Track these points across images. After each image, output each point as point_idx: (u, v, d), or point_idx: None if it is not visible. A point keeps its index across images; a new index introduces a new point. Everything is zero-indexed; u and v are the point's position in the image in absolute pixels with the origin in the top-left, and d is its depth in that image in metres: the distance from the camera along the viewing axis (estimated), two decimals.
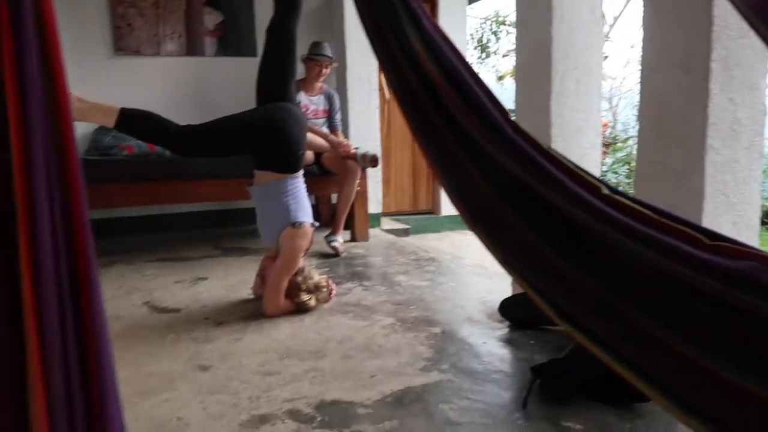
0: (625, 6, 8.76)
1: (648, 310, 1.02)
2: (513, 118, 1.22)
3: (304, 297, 2.44)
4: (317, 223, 2.56)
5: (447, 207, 5.42)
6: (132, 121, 2.29)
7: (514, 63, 8.44)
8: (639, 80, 1.82)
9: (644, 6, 1.76)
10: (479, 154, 1.22)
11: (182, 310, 2.55)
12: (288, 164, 2.46)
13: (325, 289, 2.50)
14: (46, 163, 0.71)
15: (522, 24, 2.26)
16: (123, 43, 4.07)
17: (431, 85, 1.27)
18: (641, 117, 1.83)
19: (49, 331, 0.70)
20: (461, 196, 1.32)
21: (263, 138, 2.43)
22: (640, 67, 1.81)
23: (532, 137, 1.19)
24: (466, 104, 1.21)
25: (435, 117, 1.28)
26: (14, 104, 0.70)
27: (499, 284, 2.93)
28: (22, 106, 0.71)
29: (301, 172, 2.54)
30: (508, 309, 2.36)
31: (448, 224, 5.43)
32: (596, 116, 2.22)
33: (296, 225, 2.44)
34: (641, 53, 1.78)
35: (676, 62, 1.66)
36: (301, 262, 2.53)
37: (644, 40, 1.77)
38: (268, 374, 1.89)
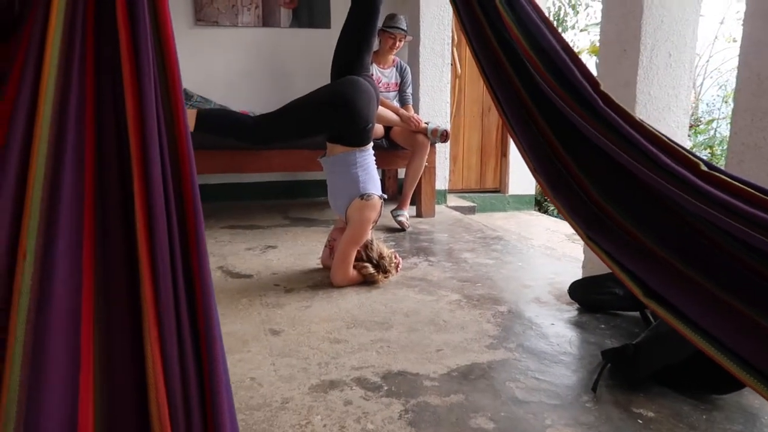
0: None
1: (748, 293, 0.97)
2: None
3: (372, 269, 2.47)
4: (386, 196, 2.58)
5: (514, 186, 5.32)
6: (210, 121, 2.38)
7: (591, 38, 8.09)
8: (735, 58, 1.70)
9: None
10: (565, 126, 1.18)
11: (254, 276, 2.64)
12: (357, 138, 2.48)
13: (392, 263, 2.52)
14: (160, 140, 0.75)
15: None
16: (203, 13, 4.18)
17: (518, 54, 1.24)
18: (737, 97, 1.72)
19: (164, 299, 0.74)
20: (543, 168, 1.29)
21: (332, 115, 2.45)
22: (739, 44, 1.69)
23: (625, 110, 1.14)
24: (554, 75, 1.16)
25: (520, 87, 1.24)
26: (130, 83, 0.74)
27: (568, 266, 2.87)
28: (139, 86, 0.74)
29: (371, 145, 2.55)
30: (577, 291, 2.31)
31: (515, 203, 5.34)
32: (686, 94, 2.10)
33: (365, 197, 2.46)
34: (743, 27, 1.66)
35: None
36: (370, 235, 2.55)
37: (747, 13, 1.65)
38: (336, 342, 1.93)
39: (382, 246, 2.55)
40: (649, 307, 1.10)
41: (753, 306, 0.96)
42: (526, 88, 1.25)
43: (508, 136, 5.20)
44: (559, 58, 1.18)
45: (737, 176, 1.04)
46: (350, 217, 2.49)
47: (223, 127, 2.43)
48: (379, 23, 3.76)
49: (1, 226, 0.69)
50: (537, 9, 1.25)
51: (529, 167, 1.31)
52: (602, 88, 1.17)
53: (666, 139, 1.09)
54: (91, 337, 0.75)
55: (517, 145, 1.38)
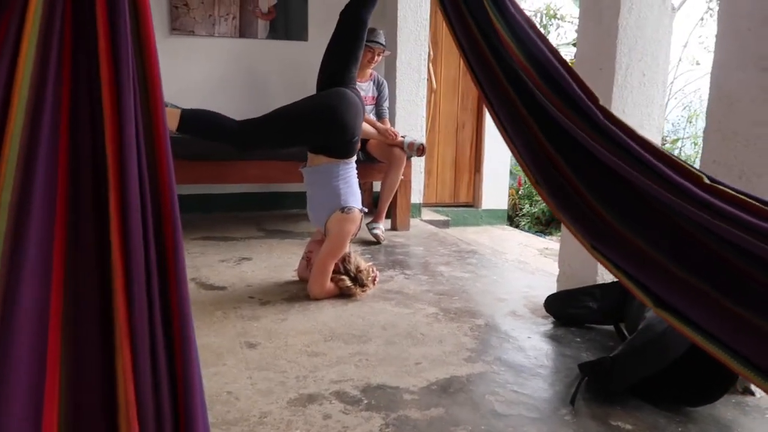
0: (683, 3, 8.47)
1: (750, 300, 0.99)
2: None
3: (349, 282, 2.45)
4: (366, 210, 2.57)
5: (487, 201, 5.37)
6: (193, 122, 2.33)
7: (565, 57, 8.26)
8: (698, 80, 1.75)
9: (720, 3, 1.70)
10: (565, 139, 1.19)
11: (228, 288, 2.60)
12: (342, 150, 2.47)
13: (370, 276, 2.50)
14: (138, 147, 0.73)
15: (587, 13, 2.21)
16: (179, 22, 4.13)
17: (514, 68, 1.25)
18: (708, 116, 1.77)
19: (137, 308, 0.71)
20: (546, 181, 1.30)
21: (318, 126, 2.43)
22: (703, 66, 1.75)
23: (624, 123, 1.16)
24: (552, 88, 1.18)
25: (518, 101, 1.25)
26: (109, 90, 0.72)
27: (541, 280, 2.90)
28: (117, 93, 0.72)
29: (354, 158, 2.55)
30: (553, 305, 2.33)
31: (488, 218, 5.39)
32: (659, 113, 2.16)
33: (346, 210, 2.45)
34: (714, 48, 1.71)
35: (751, 60, 1.60)
36: (347, 248, 2.54)
37: (718, 36, 1.70)
38: (314, 355, 1.90)
39: (360, 259, 2.54)
40: (659, 315, 1.11)
41: (755, 311, 0.99)
42: (524, 101, 1.26)
43: (482, 151, 5.27)
44: (556, 72, 1.19)
45: (740, 189, 1.07)
46: (330, 229, 2.47)
47: (206, 129, 2.38)
48: None
49: None
50: (531, 24, 1.26)
51: (530, 180, 1.32)
52: (600, 102, 1.19)
53: (668, 154, 1.12)
54: (58, 350, 0.71)
55: (516, 158, 1.39)
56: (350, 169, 2.51)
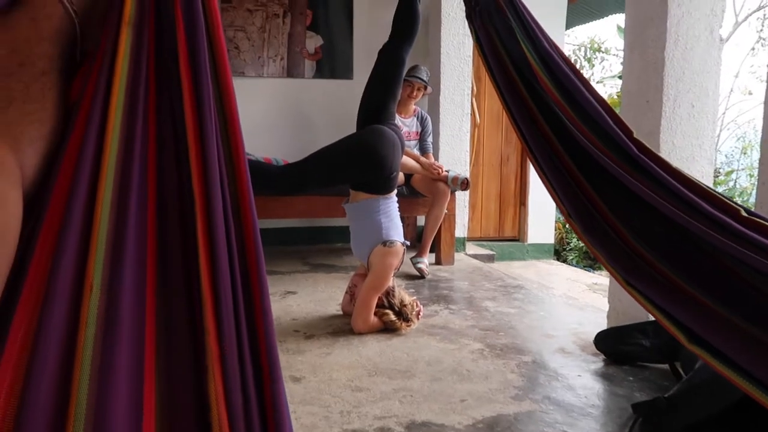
0: (732, 33, 8.30)
1: None
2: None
3: (393, 317, 2.44)
4: (408, 243, 2.58)
5: (533, 235, 5.30)
6: None
7: (608, 90, 8.19)
8: (751, 110, 1.71)
9: None
10: (600, 173, 1.18)
11: (274, 322, 2.62)
12: (381, 186, 2.50)
13: (414, 311, 2.49)
14: (221, 183, 0.77)
15: (632, 46, 2.19)
16: (230, 65, 4.31)
17: (549, 104, 1.25)
18: (763, 146, 1.72)
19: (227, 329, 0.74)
20: (580, 215, 1.28)
21: (357, 164, 2.47)
22: (765, 94, 1.70)
23: (660, 157, 1.14)
24: (587, 123, 1.17)
25: (552, 136, 1.25)
26: (193, 134, 0.76)
27: (591, 316, 2.81)
28: (201, 137, 0.77)
29: (394, 192, 2.57)
30: (603, 342, 2.26)
31: (534, 252, 5.31)
32: (710, 144, 2.10)
33: (388, 243, 2.46)
34: None
35: None
36: (391, 282, 2.54)
37: None
38: (358, 390, 1.89)
39: (404, 293, 2.53)
40: (693, 352, 1.07)
41: None
42: (559, 136, 1.26)
43: (527, 185, 5.22)
44: (590, 106, 1.19)
45: None
46: (372, 263, 2.49)
47: (252, 180, 2.44)
48: None
49: (68, 262, 0.71)
50: (564, 58, 1.27)
51: (563, 213, 1.31)
52: (635, 135, 1.18)
53: (704, 186, 1.09)
54: (153, 382, 0.74)
55: (549, 191, 1.38)
56: (391, 203, 2.53)
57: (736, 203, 1.06)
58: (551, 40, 1.32)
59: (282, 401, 0.77)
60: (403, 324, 2.46)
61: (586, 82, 1.25)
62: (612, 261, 1.21)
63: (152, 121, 0.78)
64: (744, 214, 1.03)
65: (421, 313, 2.58)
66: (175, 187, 0.79)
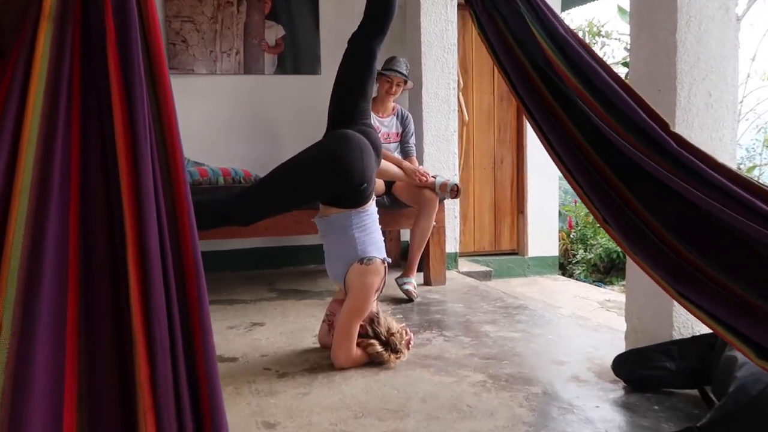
0: (745, 12, 8.54)
1: None
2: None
3: (379, 347, 2.44)
4: (389, 260, 2.58)
5: (535, 247, 5.36)
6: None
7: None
8: None
9: None
10: (635, 171, 1.20)
11: (239, 360, 2.60)
12: (353, 200, 2.49)
13: (403, 340, 2.49)
14: (155, 191, 0.76)
15: (639, 29, 2.25)
16: (177, 61, 4.31)
17: (570, 96, 1.27)
18: None
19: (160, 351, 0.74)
20: (616, 219, 1.30)
21: (321, 178, 2.44)
22: None
23: (700, 149, 1.17)
24: (617, 117, 1.20)
25: (577, 133, 1.27)
26: (123, 137, 0.76)
27: (606, 337, 2.85)
28: (132, 139, 0.76)
29: (371, 204, 2.56)
30: (623, 367, 2.28)
31: (536, 267, 5.37)
32: (731, 136, 2.16)
33: (365, 261, 2.46)
34: None
35: None
36: (375, 307, 2.54)
37: None
38: None
39: (391, 320, 2.53)
40: (763, 368, 1.09)
41: None
42: (584, 132, 1.28)
43: (525, 190, 5.28)
44: (617, 97, 1.21)
45: None
46: (350, 284, 2.48)
47: (202, 219, 2.38)
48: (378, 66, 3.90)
49: None
50: (583, 44, 1.30)
51: (597, 219, 1.33)
52: (672, 128, 1.21)
53: (753, 181, 1.12)
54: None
55: (578, 193, 1.40)
56: (367, 216, 2.53)
57: None
58: (565, 23, 1.34)
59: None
60: (392, 356, 2.46)
61: (610, 71, 1.28)
62: (657, 268, 1.23)
63: (76, 128, 0.78)
64: None
65: (412, 342, 2.59)
66: (103, 205, 0.79)
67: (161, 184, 0.82)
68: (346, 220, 2.49)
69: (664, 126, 1.21)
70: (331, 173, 2.44)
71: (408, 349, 2.54)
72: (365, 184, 2.48)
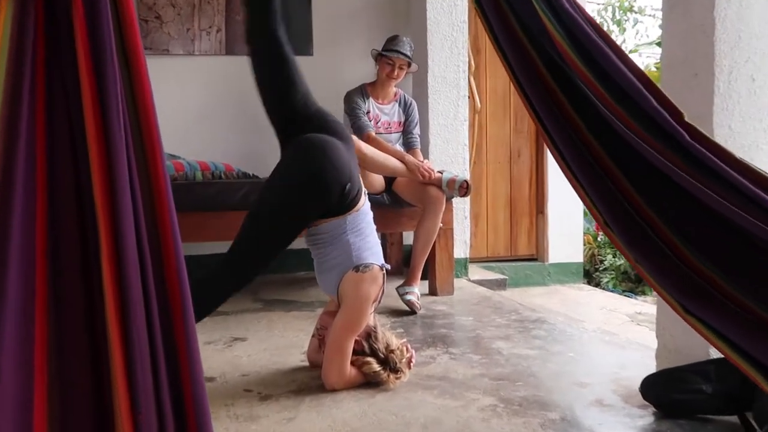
0: None
1: None
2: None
3: (377, 366, 2.43)
4: (388, 266, 2.57)
5: (556, 252, 5.35)
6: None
7: (644, 61, 8.34)
8: None
9: None
10: (643, 168, 1.20)
11: (217, 379, 2.61)
12: (338, 209, 2.45)
13: (404, 358, 2.48)
14: (131, 185, 0.76)
15: (672, 5, 2.24)
16: (150, 40, 4.31)
17: (575, 83, 1.27)
18: None
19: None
20: (620, 224, 1.30)
21: (299, 203, 2.41)
22: None
23: (720, 146, 1.16)
24: (626, 106, 1.20)
25: (581, 124, 1.27)
26: (94, 123, 0.76)
27: (635, 356, 2.85)
28: (105, 126, 0.76)
29: (363, 203, 2.54)
30: (653, 390, 2.28)
31: (558, 275, 5.36)
32: None
33: (361, 268, 2.45)
34: None
35: None
36: (372, 320, 2.54)
37: None
38: None
39: (390, 335, 2.53)
40: None
41: None
42: (589, 124, 1.28)
43: (546, 186, 5.27)
44: (628, 84, 1.21)
45: None
46: (344, 295, 2.48)
47: (203, 311, 2.35)
48: (379, 46, 3.90)
49: None
50: (594, 25, 1.29)
51: (597, 220, 1.33)
52: (686, 118, 1.20)
53: None
54: None
55: (579, 193, 1.39)
56: (361, 217, 2.51)
57: None
58: (574, 1, 1.34)
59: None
60: (391, 375, 2.45)
61: (621, 53, 1.27)
62: (663, 281, 1.23)
63: (41, 113, 0.78)
64: None
65: (413, 361, 2.58)
66: (72, 203, 0.79)
67: (137, 174, 0.82)
68: (339, 227, 2.48)
69: (678, 116, 1.20)
70: (311, 197, 2.41)
71: (409, 368, 2.54)
72: (347, 185, 2.44)
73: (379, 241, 2.62)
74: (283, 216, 2.46)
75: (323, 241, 2.52)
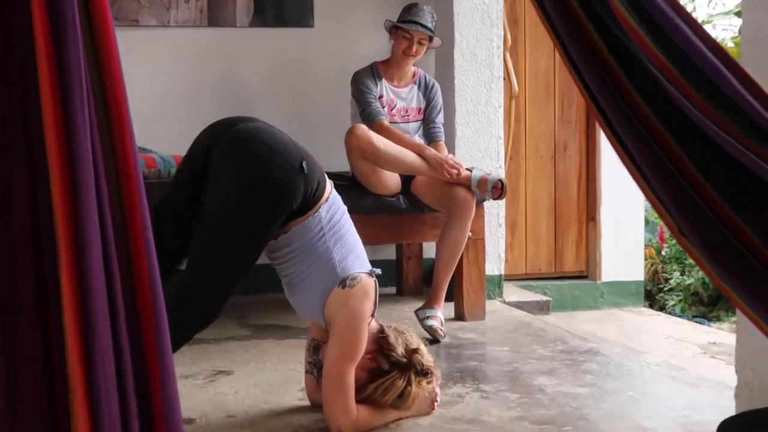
0: None
1: None
2: None
3: (400, 383, 2.39)
4: (378, 271, 2.54)
5: (610, 268, 5.31)
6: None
7: (719, 34, 8.34)
8: None
9: None
10: (728, 168, 1.20)
11: (197, 421, 2.61)
12: (306, 200, 2.43)
13: (428, 361, 2.47)
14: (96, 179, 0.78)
15: None
16: (116, 8, 4.33)
17: (645, 66, 1.27)
18: None
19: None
20: (699, 233, 1.29)
21: (269, 208, 2.43)
22: None
23: None
24: (706, 93, 1.20)
25: (651, 114, 1.27)
26: (53, 111, 0.78)
27: (709, 395, 2.85)
28: (65, 115, 0.78)
29: (329, 192, 2.53)
30: None
31: (613, 296, 5.33)
32: None
33: (348, 281, 2.43)
34: None
35: None
36: (374, 324, 2.51)
37: None
38: None
39: (406, 333, 2.53)
40: None
41: None
42: (660, 114, 1.28)
43: (598, 188, 5.25)
44: (710, 67, 1.21)
45: None
46: (332, 319, 2.44)
47: (181, 332, 2.35)
48: (394, 17, 3.90)
49: None
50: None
51: (671, 230, 1.33)
52: None
53: None
54: None
55: (649, 198, 1.40)
56: (334, 207, 2.50)
57: None
58: None
59: None
60: (422, 381, 2.43)
61: (695, 24, 1.27)
62: (756, 303, 1.23)
63: None
64: None
65: (438, 400, 2.59)
66: (25, 204, 0.80)
67: (104, 169, 0.83)
68: (312, 229, 2.43)
69: (764, 99, 1.20)
70: (274, 196, 2.40)
71: (433, 408, 2.54)
72: (303, 161, 2.42)
73: (359, 239, 2.60)
74: (250, 232, 2.43)
75: (294, 255, 2.47)
